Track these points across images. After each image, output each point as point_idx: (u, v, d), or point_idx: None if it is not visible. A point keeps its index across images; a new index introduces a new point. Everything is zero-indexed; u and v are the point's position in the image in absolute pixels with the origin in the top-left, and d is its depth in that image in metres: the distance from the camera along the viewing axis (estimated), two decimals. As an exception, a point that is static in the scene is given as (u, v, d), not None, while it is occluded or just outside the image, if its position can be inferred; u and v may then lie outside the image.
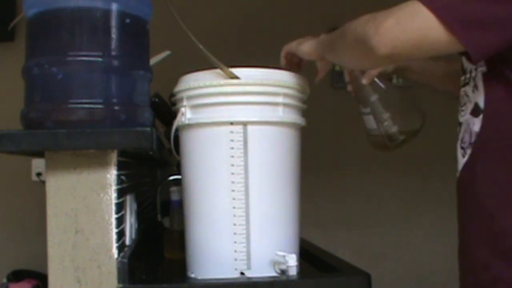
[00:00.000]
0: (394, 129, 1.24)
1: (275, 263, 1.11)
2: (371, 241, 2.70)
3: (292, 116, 1.16)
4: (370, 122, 1.28)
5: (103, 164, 1.05)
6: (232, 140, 1.11)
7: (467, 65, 1.08)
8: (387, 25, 0.96)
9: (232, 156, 1.11)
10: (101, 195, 1.05)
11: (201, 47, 1.17)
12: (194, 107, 1.15)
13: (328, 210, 2.70)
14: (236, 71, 1.13)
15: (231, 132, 1.11)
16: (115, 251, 1.05)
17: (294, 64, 1.26)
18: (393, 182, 2.74)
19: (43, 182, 1.06)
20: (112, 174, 1.06)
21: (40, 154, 1.11)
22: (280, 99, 1.14)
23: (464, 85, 1.09)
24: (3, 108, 2.08)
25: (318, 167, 2.54)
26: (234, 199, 1.11)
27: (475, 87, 1.04)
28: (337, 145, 2.71)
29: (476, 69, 1.04)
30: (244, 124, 1.11)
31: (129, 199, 1.20)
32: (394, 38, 0.96)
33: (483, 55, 0.97)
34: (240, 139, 1.11)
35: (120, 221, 1.09)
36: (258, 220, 1.11)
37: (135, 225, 1.26)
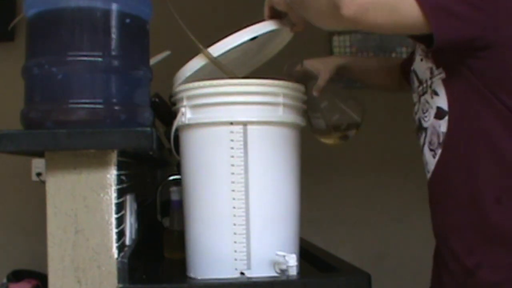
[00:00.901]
0: (342, 127, 1.35)
1: (275, 263, 1.11)
2: (371, 241, 2.70)
3: (292, 116, 1.16)
4: (320, 124, 1.36)
5: (103, 164, 1.05)
6: (232, 140, 1.11)
7: (422, 76, 1.16)
8: None
9: (232, 156, 1.11)
10: (101, 195, 1.05)
11: (201, 46, 1.17)
12: (194, 107, 1.15)
13: (328, 210, 2.70)
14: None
15: (231, 132, 1.11)
16: (115, 251, 1.05)
17: (276, 17, 1.25)
18: (393, 182, 2.73)
19: (43, 182, 1.06)
20: (112, 174, 1.05)
21: (40, 154, 1.11)
22: (280, 99, 1.14)
23: (423, 94, 1.17)
24: (3, 108, 2.08)
25: (318, 167, 2.54)
26: (234, 199, 1.11)
27: (434, 93, 1.12)
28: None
29: (431, 78, 1.12)
30: (244, 124, 1.11)
31: (129, 199, 1.20)
32: (367, 3, 1.01)
33: (445, 41, 1.02)
34: (240, 139, 1.11)
35: (120, 221, 1.09)
36: (258, 220, 1.11)
37: (135, 225, 1.26)
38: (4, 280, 2.21)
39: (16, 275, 2.24)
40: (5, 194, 2.59)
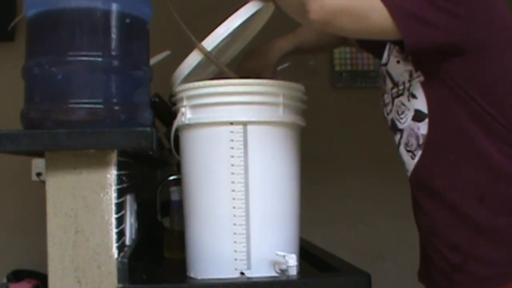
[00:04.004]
0: None
1: (275, 263, 1.11)
2: (371, 241, 2.69)
3: (292, 116, 1.16)
4: None
5: (103, 164, 1.05)
6: (232, 140, 1.11)
7: (398, 78, 1.17)
8: None
9: (232, 156, 1.11)
10: (101, 195, 1.05)
11: (200, 46, 1.17)
12: (194, 107, 1.15)
13: (328, 210, 2.70)
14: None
15: (231, 132, 1.11)
16: (115, 251, 1.05)
17: None
18: (393, 182, 2.72)
19: (43, 182, 1.06)
20: (112, 174, 1.06)
21: (40, 154, 1.11)
22: (280, 99, 1.14)
23: (398, 96, 1.17)
24: (3, 108, 2.07)
25: (318, 167, 2.54)
26: (234, 199, 1.11)
27: (412, 96, 1.13)
28: (337, 145, 2.71)
29: (410, 81, 1.13)
30: (244, 124, 1.11)
31: (129, 199, 1.20)
32: (335, 10, 1.03)
33: (415, 48, 1.05)
34: (240, 139, 1.11)
35: (120, 221, 1.09)
36: (258, 220, 1.11)
37: (135, 225, 1.26)
38: (4, 280, 2.20)
39: (16, 275, 2.24)
40: (5, 194, 2.58)
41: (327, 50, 1.60)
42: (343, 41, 1.43)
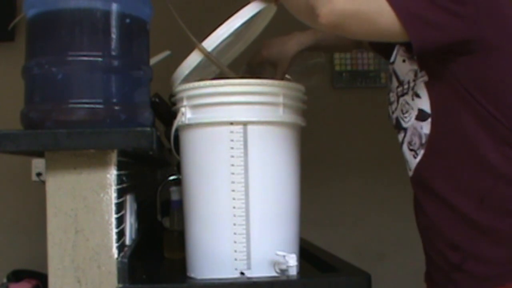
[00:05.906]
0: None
1: (275, 263, 1.11)
2: (371, 241, 2.70)
3: (292, 116, 1.16)
4: None
5: (103, 164, 1.05)
6: (232, 140, 1.11)
7: (403, 77, 1.17)
8: (341, 1, 1.03)
9: (232, 156, 1.11)
10: (101, 195, 1.05)
11: (201, 47, 1.17)
12: (194, 107, 1.15)
13: (328, 210, 2.70)
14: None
15: (231, 132, 1.11)
16: (115, 251, 1.05)
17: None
18: (393, 182, 2.73)
19: (43, 182, 1.06)
20: (112, 174, 1.06)
21: (40, 154, 1.11)
22: (280, 99, 1.14)
23: (402, 95, 1.18)
24: (3, 108, 2.08)
25: (318, 167, 2.54)
26: (234, 199, 1.11)
27: (416, 95, 1.13)
28: (337, 145, 2.71)
29: (414, 80, 1.13)
30: (244, 124, 1.11)
31: (129, 199, 1.20)
32: (344, 14, 1.03)
33: (423, 50, 1.05)
34: (240, 139, 1.11)
35: (120, 221, 1.09)
36: (258, 220, 1.11)
37: (135, 225, 1.26)
38: (4, 280, 2.20)
39: (16, 275, 2.23)
40: (5, 194, 2.59)
41: (343, 51, 1.61)
42: (358, 43, 1.44)
